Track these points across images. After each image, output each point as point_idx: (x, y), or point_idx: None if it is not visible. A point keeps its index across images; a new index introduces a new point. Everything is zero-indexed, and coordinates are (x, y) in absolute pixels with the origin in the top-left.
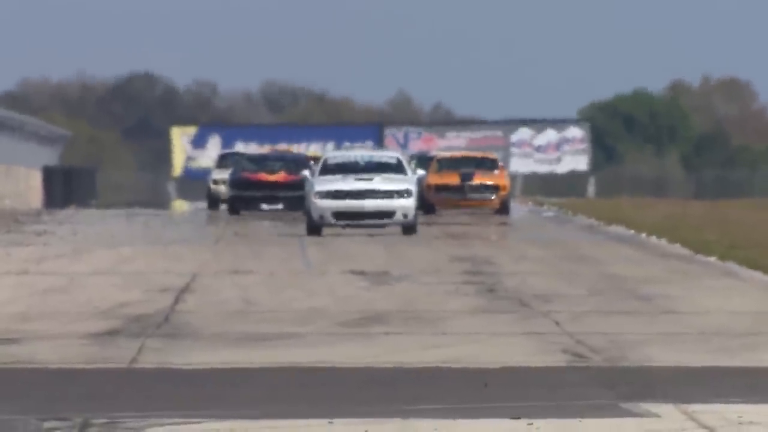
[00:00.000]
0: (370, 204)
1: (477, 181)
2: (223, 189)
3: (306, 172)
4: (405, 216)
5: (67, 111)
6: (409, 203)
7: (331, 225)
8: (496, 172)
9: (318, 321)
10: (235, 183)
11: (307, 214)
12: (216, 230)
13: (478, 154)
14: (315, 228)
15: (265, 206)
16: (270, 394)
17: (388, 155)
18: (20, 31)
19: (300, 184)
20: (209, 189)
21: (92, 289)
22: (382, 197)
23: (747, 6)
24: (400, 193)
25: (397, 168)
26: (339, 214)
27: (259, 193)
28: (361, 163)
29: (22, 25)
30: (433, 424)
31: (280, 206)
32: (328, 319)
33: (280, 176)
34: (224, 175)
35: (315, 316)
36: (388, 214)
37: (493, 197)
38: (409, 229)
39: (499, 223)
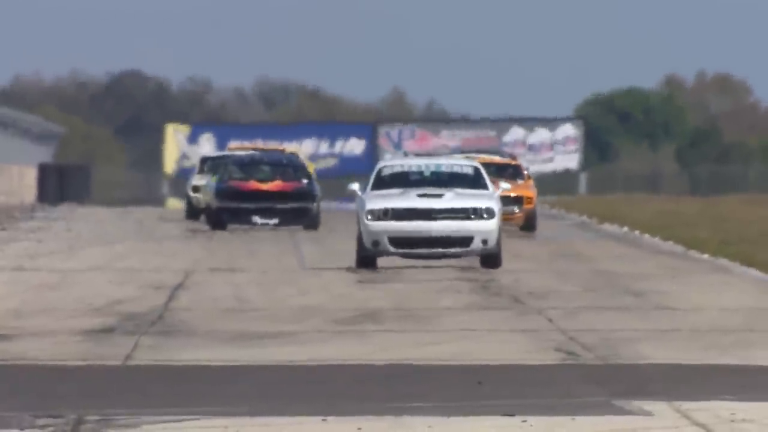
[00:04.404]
0: (439, 227)
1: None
2: (204, 197)
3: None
4: (485, 242)
5: (61, 108)
6: (491, 226)
7: (389, 254)
8: (520, 181)
9: (312, 318)
10: (221, 193)
11: (358, 241)
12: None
13: (501, 159)
14: (368, 258)
15: (257, 219)
16: (264, 391)
17: (462, 164)
18: (13, 27)
19: (299, 194)
20: (188, 197)
21: (86, 286)
22: (456, 218)
23: (742, 3)
24: (479, 213)
25: (474, 181)
26: (398, 241)
27: (251, 204)
28: (427, 173)
29: (15, 22)
30: (426, 422)
31: (275, 220)
32: (322, 317)
33: (275, 185)
34: (206, 181)
35: (309, 314)
36: (464, 240)
37: (516, 211)
38: (490, 259)
39: None
